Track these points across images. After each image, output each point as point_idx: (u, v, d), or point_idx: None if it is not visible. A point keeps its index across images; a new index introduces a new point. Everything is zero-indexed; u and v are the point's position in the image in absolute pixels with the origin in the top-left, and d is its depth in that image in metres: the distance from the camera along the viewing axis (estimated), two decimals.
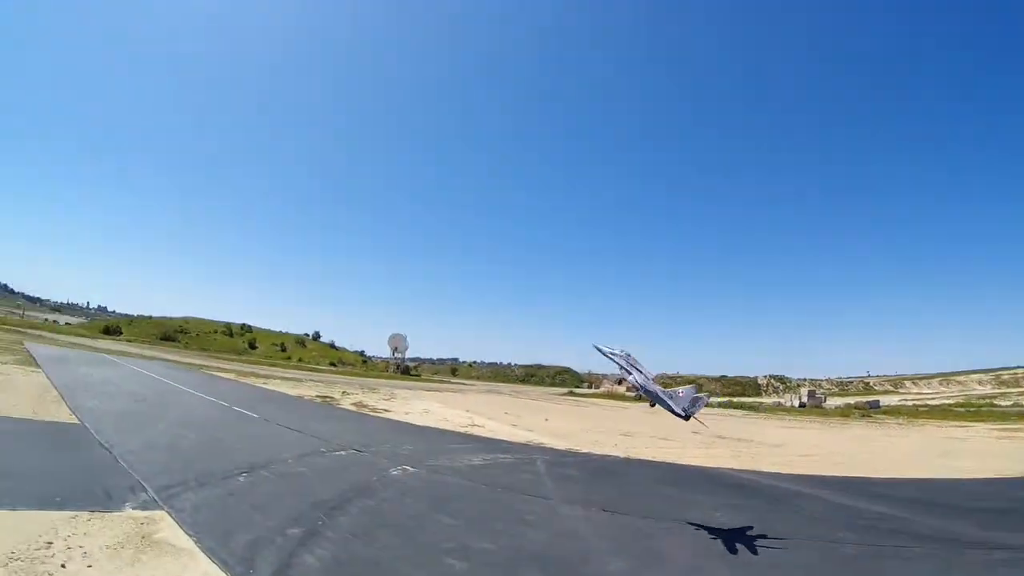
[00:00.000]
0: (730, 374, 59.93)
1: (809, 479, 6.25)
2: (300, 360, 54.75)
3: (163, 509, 3.74)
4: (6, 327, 31.57)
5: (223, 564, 2.83)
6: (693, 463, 7.14)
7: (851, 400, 33.64)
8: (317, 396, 14.35)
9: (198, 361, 29.20)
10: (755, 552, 3.24)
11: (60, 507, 3.39)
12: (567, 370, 71.87)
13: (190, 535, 3.24)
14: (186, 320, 67.87)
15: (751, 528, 3.81)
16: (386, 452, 6.69)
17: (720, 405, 26.44)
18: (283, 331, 71.49)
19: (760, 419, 18.85)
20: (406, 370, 53.04)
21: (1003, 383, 43.83)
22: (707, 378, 56.34)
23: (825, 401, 32.46)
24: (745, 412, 21.65)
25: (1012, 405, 26.88)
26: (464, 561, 2.93)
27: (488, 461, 6.56)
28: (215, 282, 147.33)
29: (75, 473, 4.34)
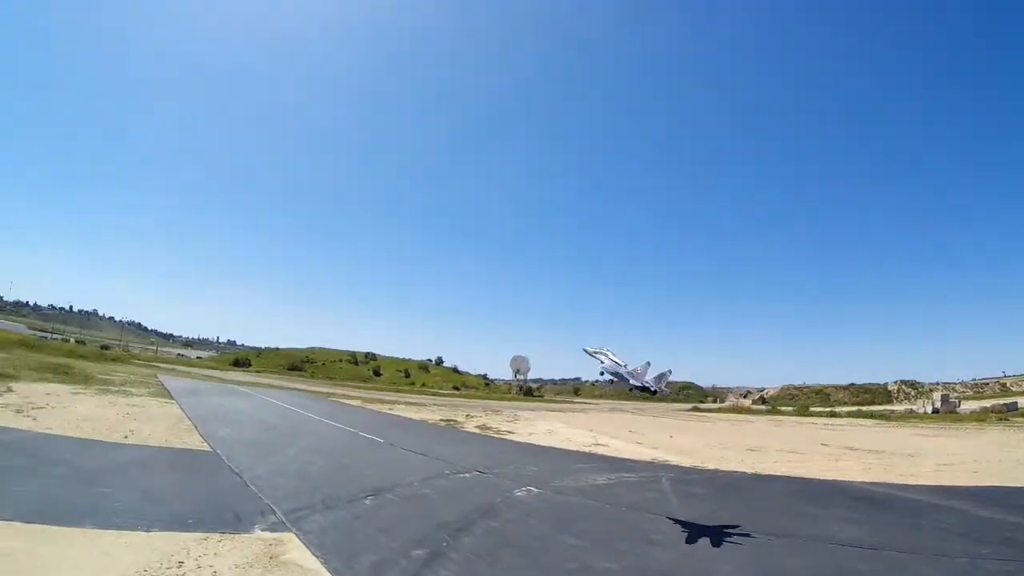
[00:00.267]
0: (859, 381, 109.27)
1: (945, 490, 11.82)
2: (424, 385, 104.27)
3: (291, 531, 6.63)
4: (141, 362, 60.14)
5: None
6: (822, 477, 12.95)
7: (987, 403, 63.06)
8: (441, 420, 24.59)
9: (324, 389, 50.33)
10: (886, 569, 6.33)
11: (192, 529, 6.39)
12: (690, 385, 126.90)
13: (317, 556, 5.76)
14: (312, 350, 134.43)
15: (883, 544, 7.30)
16: (510, 473, 11.66)
17: (849, 415, 52.13)
18: (407, 357, 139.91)
19: (891, 428, 35.86)
20: (529, 391, 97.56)
21: None
22: (835, 387, 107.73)
23: (959, 405, 61.69)
24: (875, 421, 42.66)
25: None
26: None
27: (612, 480, 11.64)
28: (340, 313, 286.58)
29: (207, 497, 8.00)
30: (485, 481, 10.87)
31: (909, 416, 53.85)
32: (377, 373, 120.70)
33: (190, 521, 6.78)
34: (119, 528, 6.22)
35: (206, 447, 12.43)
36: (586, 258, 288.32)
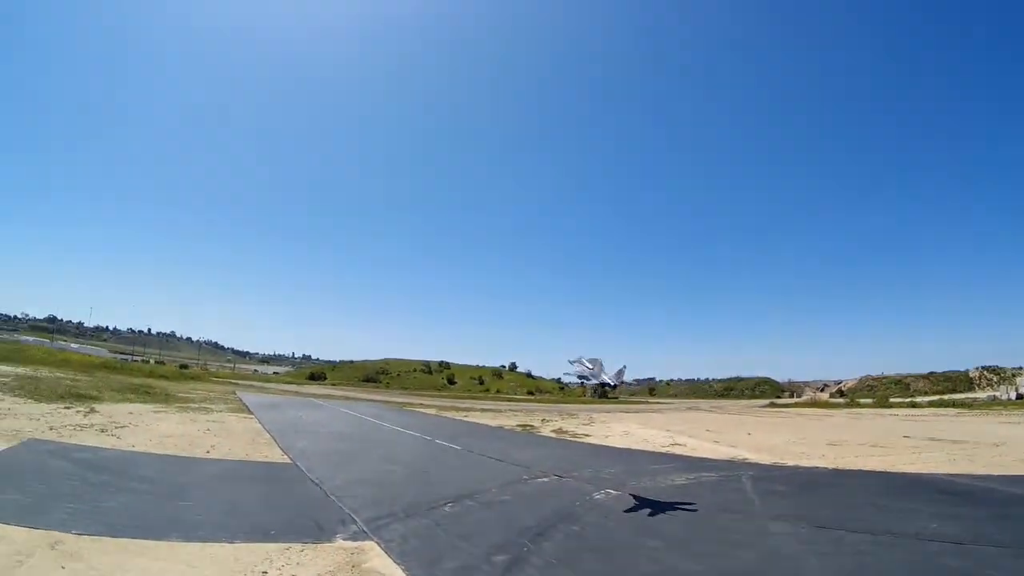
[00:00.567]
0: (938, 369, 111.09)
1: None
2: (498, 391, 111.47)
3: (372, 540, 6.80)
4: (219, 379, 63.42)
5: None
6: (906, 470, 13.29)
7: None
8: (517, 425, 25.33)
9: (399, 399, 52.24)
10: (976, 566, 6.29)
11: (274, 539, 6.63)
12: (766, 380, 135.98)
13: (398, 564, 5.92)
14: (386, 361, 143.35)
15: (973, 539, 7.34)
16: (588, 476, 12.02)
17: (930, 404, 54.49)
18: (480, 364, 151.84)
19: (974, 416, 37.13)
20: (603, 394, 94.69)
21: None
22: (914, 376, 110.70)
23: None
24: (958, 410, 44.22)
25: None
26: None
27: (691, 480, 11.97)
28: (412, 323, 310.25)
29: (288, 508, 8.31)
30: (563, 485, 11.16)
31: (992, 404, 55.82)
32: (451, 381, 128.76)
33: (272, 532, 7.04)
34: (203, 540, 6.49)
35: (286, 459, 12.93)
36: (658, 259, 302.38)
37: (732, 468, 13.77)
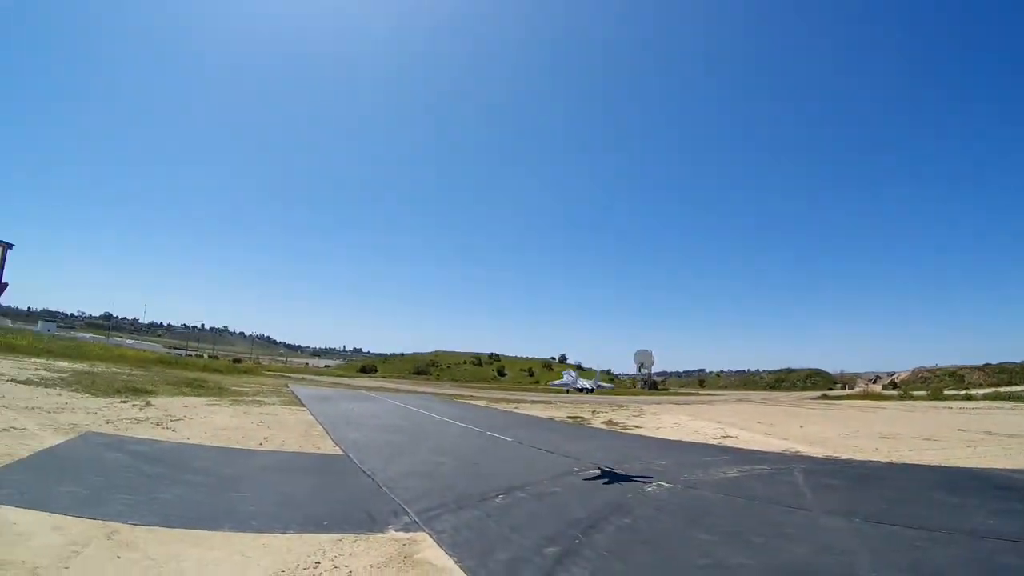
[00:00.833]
0: (994, 360, 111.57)
1: None
2: (548, 383, 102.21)
3: (424, 531, 6.90)
4: (271, 373, 64.85)
5: None
6: (961, 464, 13.16)
7: None
8: (567, 417, 25.83)
9: (450, 391, 53.77)
10: None
11: (327, 530, 6.76)
12: (818, 372, 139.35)
13: (450, 555, 6.00)
14: (436, 354, 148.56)
15: None
16: (639, 468, 12.14)
17: (985, 397, 52.39)
18: (530, 357, 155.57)
19: None
20: (653, 385, 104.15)
21: None
22: (969, 368, 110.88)
23: None
24: (1015, 403, 42.92)
25: None
26: None
27: (743, 473, 11.99)
28: (462, 316, 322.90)
29: (341, 499, 8.49)
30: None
31: None
32: (501, 373, 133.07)
33: (325, 523, 7.19)
34: (257, 531, 6.65)
35: (338, 451, 13.18)
36: (709, 251, 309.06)
37: (784, 461, 13.79)
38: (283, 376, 60.99)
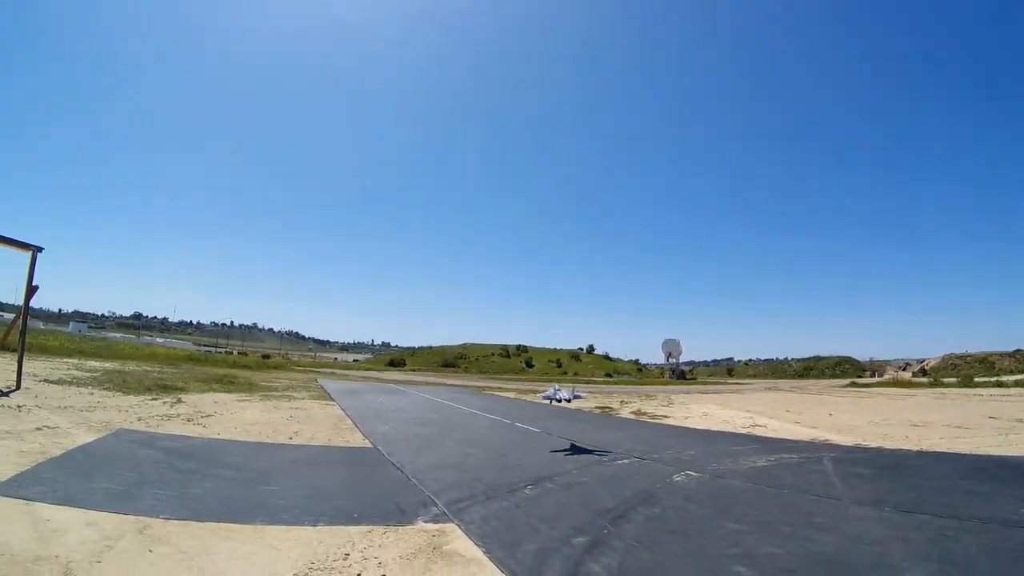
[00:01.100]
0: None
1: None
2: (576, 374, 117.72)
3: (453, 522, 7.00)
4: (300, 368, 66.45)
5: (511, 573, 5.45)
6: (992, 453, 13.21)
7: None
8: (596, 407, 26.24)
9: (478, 383, 54.52)
10: None
11: (357, 522, 6.88)
12: (847, 360, 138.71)
13: (479, 546, 6.11)
14: (464, 346, 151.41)
15: None
16: (667, 458, 12.31)
17: (1016, 384, 51.98)
18: (558, 347, 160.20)
19: None
20: (681, 374, 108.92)
21: None
22: (1000, 354, 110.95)
23: None
24: None
25: None
26: (751, 568, 5.63)
27: (772, 462, 12.03)
28: (490, 308, 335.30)
29: (370, 492, 8.60)
30: (643, 467, 11.32)
31: None
32: (529, 365, 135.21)
33: (355, 515, 7.31)
34: (287, 524, 6.78)
35: (367, 444, 13.40)
36: (736, 238, 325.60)
37: (813, 450, 13.82)
38: (312, 371, 61.97)
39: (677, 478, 10.10)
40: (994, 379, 61.85)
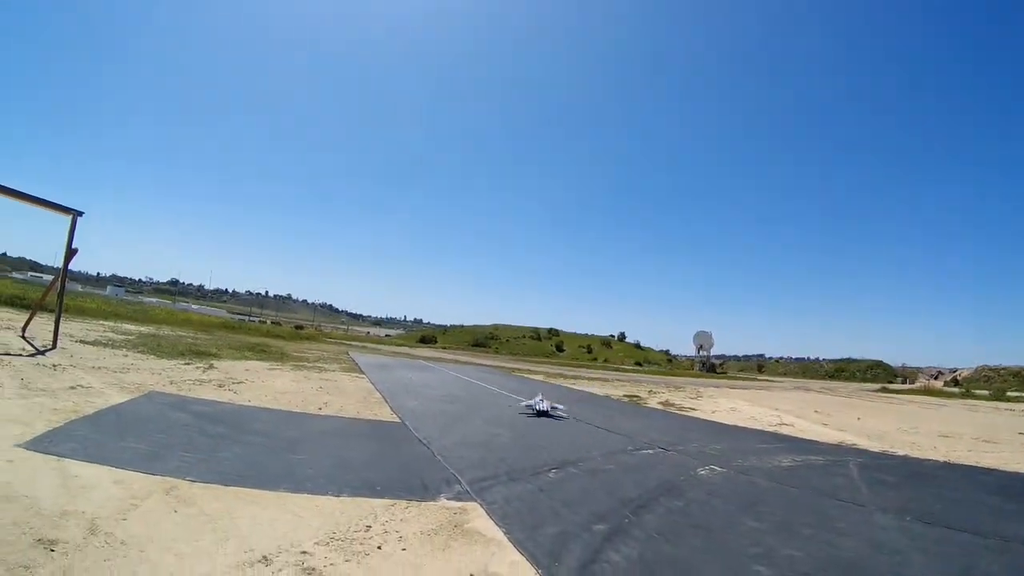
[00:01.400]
0: None
1: None
2: (606, 361, 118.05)
3: (475, 501, 7.08)
4: (332, 340, 67.38)
5: (530, 556, 5.46)
6: (1021, 470, 12.78)
7: None
8: (624, 395, 26.60)
9: (508, 365, 55.05)
10: None
11: (380, 495, 6.99)
12: (879, 364, 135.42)
13: (499, 526, 6.18)
14: (495, 327, 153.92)
15: None
16: (692, 451, 12.26)
17: None
18: (589, 333, 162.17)
19: None
20: (711, 368, 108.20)
21: None
22: None
23: None
24: None
25: None
26: (771, 568, 5.60)
27: (798, 462, 11.89)
28: (522, 289, 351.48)
29: (395, 466, 8.73)
30: (667, 458, 11.36)
31: None
32: (560, 349, 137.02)
33: (378, 488, 7.43)
34: (311, 492, 6.91)
35: (395, 418, 13.59)
36: (772, 232, 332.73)
37: (839, 453, 13.82)
38: (344, 344, 62.88)
39: (701, 472, 10.14)
40: None
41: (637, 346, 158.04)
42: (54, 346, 17.23)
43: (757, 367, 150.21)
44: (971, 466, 13.02)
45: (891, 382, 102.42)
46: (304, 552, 5.13)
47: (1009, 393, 62.06)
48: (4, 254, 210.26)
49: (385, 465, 8.94)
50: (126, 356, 18.28)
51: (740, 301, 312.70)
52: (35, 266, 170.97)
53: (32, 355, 15.29)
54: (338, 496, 6.93)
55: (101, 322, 32.21)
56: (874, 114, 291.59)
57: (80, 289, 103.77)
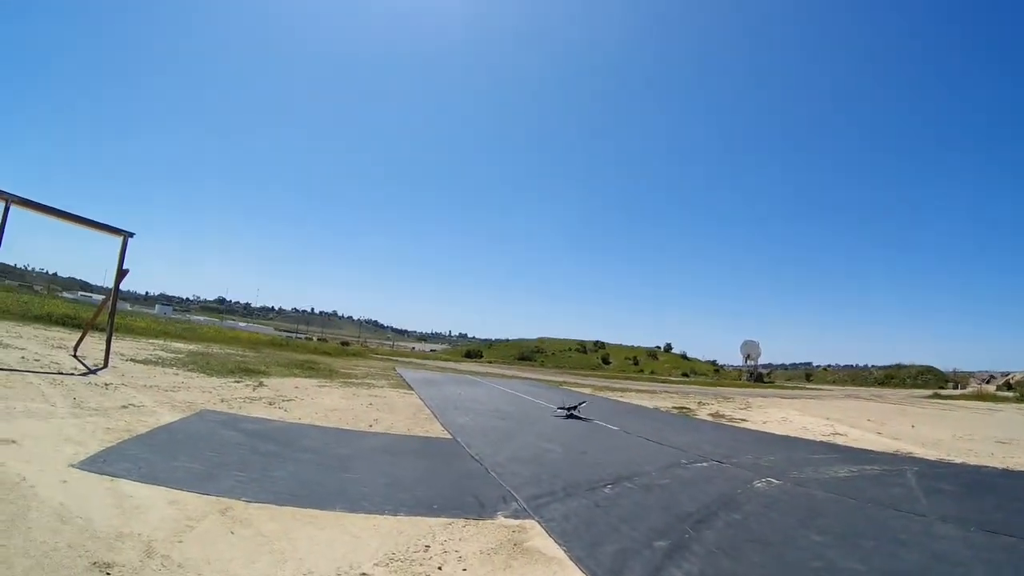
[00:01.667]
0: None
1: None
2: (652, 372, 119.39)
3: (533, 518, 6.97)
4: (379, 356, 68.08)
5: (592, 574, 5.41)
6: None
7: None
8: (673, 407, 26.43)
9: (555, 378, 55.19)
10: None
11: (436, 514, 6.91)
12: (930, 369, 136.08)
13: (559, 544, 6.09)
14: (541, 340, 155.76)
15: None
16: (747, 463, 12.23)
17: None
18: (634, 345, 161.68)
19: None
20: (759, 377, 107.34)
21: None
22: None
23: None
24: None
25: None
26: None
27: (854, 472, 11.85)
28: (568, 302, 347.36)
29: (450, 483, 8.65)
30: (723, 471, 11.27)
31: None
32: (606, 361, 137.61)
33: (434, 506, 7.35)
34: (367, 512, 6.83)
35: (446, 435, 13.54)
36: (818, 239, 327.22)
37: (895, 462, 13.61)
38: (390, 360, 63.42)
39: (758, 484, 10.04)
40: None
41: (684, 357, 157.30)
42: (106, 365, 17.61)
43: (805, 376, 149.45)
44: None
45: (942, 388, 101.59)
46: (364, 574, 5.04)
47: None
48: (55, 274, 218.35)
49: (439, 482, 8.86)
50: (176, 374, 18.61)
51: (787, 309, 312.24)
52: (85, 286, 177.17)
53: (84, 374, 15.67)
54: (395, 515, 6.85)
55: (151, 340, 33.00)
56: (921, 117, 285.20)
57: (129, 308, 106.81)
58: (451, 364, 71.87)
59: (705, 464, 11.88)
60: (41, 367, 15.71)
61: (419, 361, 70.01)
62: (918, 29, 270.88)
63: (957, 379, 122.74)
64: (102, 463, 7.53)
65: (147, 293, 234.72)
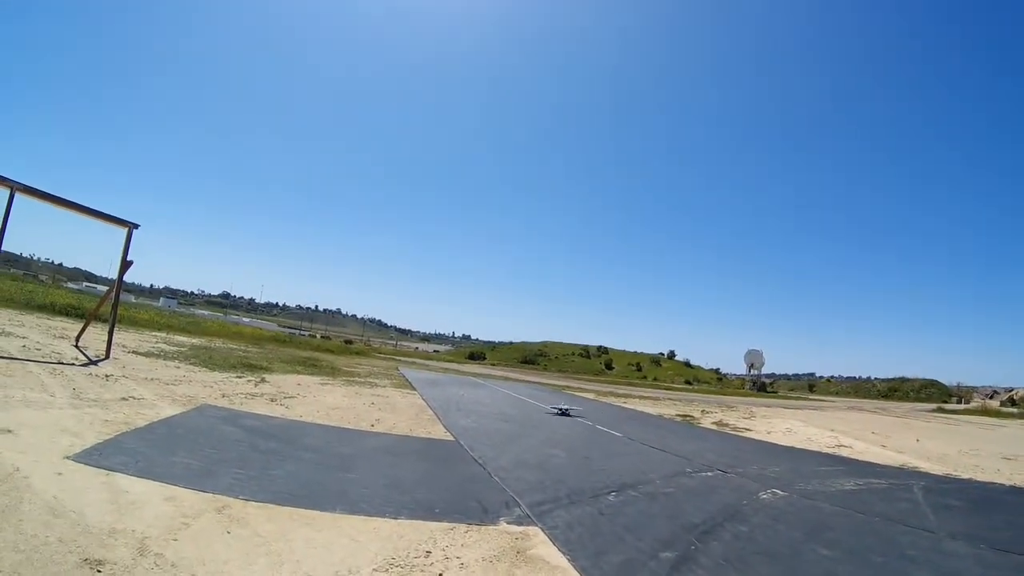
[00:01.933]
0: None
1: None
2: (655, 379, 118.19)
3: (536, 525, 6.85)
4: (382, 355, 68.19)
5: None
6: None
7: None
8: (677, 415, 26.43)
9: (557, 382, 55.33)
10: None
11: (438, 518, 6.78)
12: (933, 383, 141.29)
13: (563, 552, 6.00)
14: (544, 344, 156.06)
15: None
16: (753, 474, 12.15)
17: None
18: (638, 351, 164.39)
19: None
20: (762, 387, 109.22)
21: None
22: None
23: None
24: None
25: None
26: None
27: (860, 486, 11.76)
28: (571, 306, 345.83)
29: (452, 487, 8.53)
30: (728, 481, 11.21)
31: None
32: (609, 367, 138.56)
33: (436, 510, 7.24)
34: (367, 514, 6.73)
35: (448, 437, 13.43)
36: (823, 249, 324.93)
37: (902, 476, 13.60)
38: (393, 359, 63.49)
39: (764, 496, 9.96)
40: None
41: (687, 364, 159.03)
42: (107, 356, 17.56)
43: (808, 386, 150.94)
44: None
45: (946, 402, 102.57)
46: None
47: None
48: (60, 264, 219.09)
49: (441, 485, 8.76)
50: (178, 368, 18.53)
51: (790, 319, 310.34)
52: (90, 276, 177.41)
53: (85, 365, 15.61)
54: (395, 519, 6.74)
55: (154, 333, 33.00)
56: (925, 125, 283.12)
57: (134, 300, 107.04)
58: (454, 365, 71.91)
59: (710, 473, 11.81)
60: (42, 356, 15.66)
61: (422, 361, 69.98)
62: (918, 29, 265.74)
63: (961, 393, 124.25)
64: (98, 456, 7.44)
65: (152, 285, 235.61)
